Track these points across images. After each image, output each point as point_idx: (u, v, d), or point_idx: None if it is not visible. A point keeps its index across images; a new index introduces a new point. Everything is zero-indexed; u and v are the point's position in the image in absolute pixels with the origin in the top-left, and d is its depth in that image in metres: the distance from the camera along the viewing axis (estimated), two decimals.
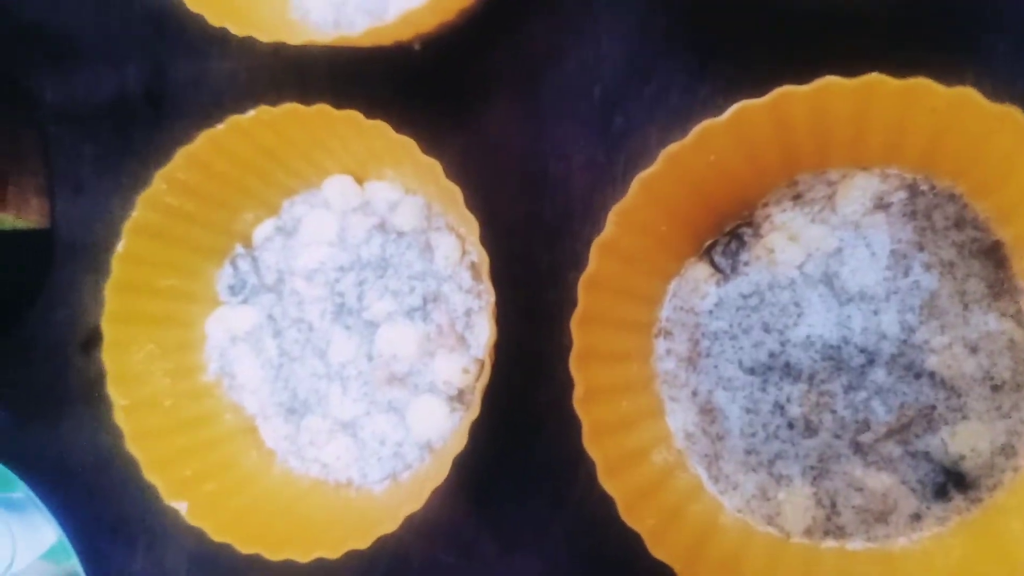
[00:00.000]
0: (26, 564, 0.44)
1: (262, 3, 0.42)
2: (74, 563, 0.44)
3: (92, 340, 0.44)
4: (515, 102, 0.41)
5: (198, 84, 0.45)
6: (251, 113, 0.37)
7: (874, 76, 0.30)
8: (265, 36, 0.37)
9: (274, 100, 0.37)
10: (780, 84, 0.31)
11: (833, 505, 0.32)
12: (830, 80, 0.30)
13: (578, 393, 0.32)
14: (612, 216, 0.32)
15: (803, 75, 0.30)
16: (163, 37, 0.46)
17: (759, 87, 0.31)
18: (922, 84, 0.29)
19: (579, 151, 0.40)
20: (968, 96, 0.29)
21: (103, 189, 0.46)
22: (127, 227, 0.38)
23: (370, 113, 0.36)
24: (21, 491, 0.44)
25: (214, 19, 0.38)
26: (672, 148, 0.31)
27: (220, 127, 0.38)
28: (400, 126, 0.36)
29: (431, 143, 0.36)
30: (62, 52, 0.47)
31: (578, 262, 0.35)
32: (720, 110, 0.31)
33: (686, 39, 0.39)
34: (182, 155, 0.38)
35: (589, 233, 0.34)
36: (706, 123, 0.31)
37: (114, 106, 0.47)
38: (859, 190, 0.33)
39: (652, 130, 0.39)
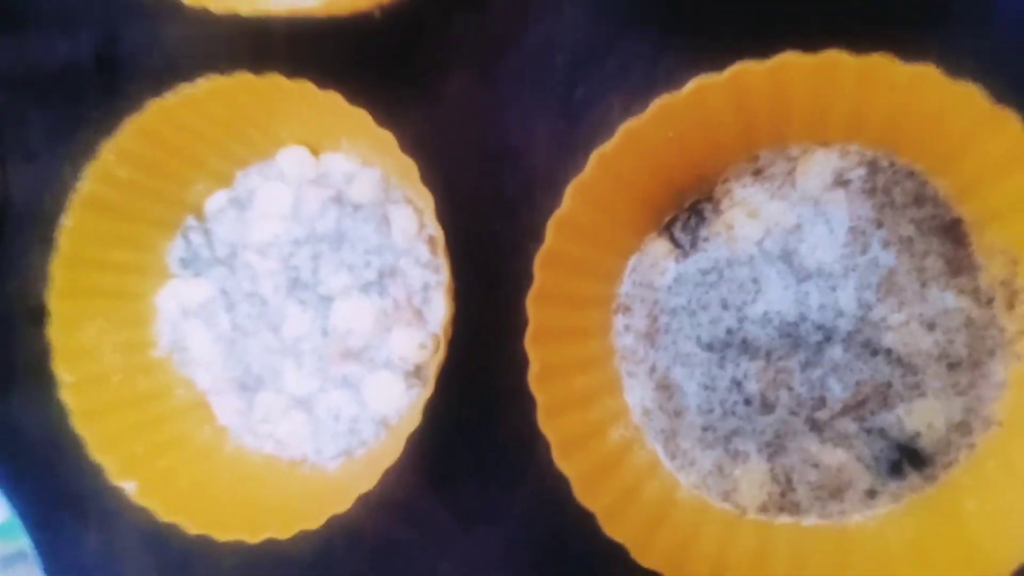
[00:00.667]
0: None
1: None
2: (24, 541, 0.43)
3: (41, 313, 0.43)
4: (475, 73, 0.40)
5: (152, 50, 0.44)
6: (201, 82, 0.36)
7: (833, 52, 0.29)
8: (216, 5, 0.36)
9: (229, 67, 0.36)
10: (745, 58, 0.30)
11: (788, 481, 0.32)
12: (789, 56, 0.30)
13: (533, 371, 0.31)
14: (570, 191, 0.31)
15: (771, 49, 0.30)
16: (116, 2, 0.44)
17: (725, 61, 0.30)
18: (881, 61, 0.29)
19: (540, 123, 0.39)
20: (928, 73, 0.29)
21: (55, 157, 0.45)
22: (74, 200, 0.37)
23: (326, 83, 0.35)
24: None
25: None
26: (630, 123, 0.31)
27: (169, 96, 0.36)
28: (357, 97, 0.35)
29: (389, 115, 0.35)
30: (11, 17, 0.45)
31: (538, 236, 0.34)
32: (684, 83, 0.31)
33: (650, 11, 0.38)
34: (130, 125, 0.37)
35: (550, 207, 0.33)
36: (664, 98, 0.30)
37: (65, 72, 0.45)
38: (819, 166, 0.33)
39: (614, 103, 0.39)
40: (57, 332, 0.37)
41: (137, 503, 0.35)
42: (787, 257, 0.33)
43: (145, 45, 0.44)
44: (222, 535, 0.33)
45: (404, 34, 0.40)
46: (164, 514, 0.34)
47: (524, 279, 0.33)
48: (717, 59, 0.31)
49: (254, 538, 0.33)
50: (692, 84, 0.30)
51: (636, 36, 0.39)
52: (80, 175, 0.38)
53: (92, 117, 0.44)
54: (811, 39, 0.30)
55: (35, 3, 0.45)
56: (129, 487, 0.35)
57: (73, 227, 0.37)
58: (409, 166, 0.34)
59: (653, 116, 0.31)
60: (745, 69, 0.30)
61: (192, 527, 0.34)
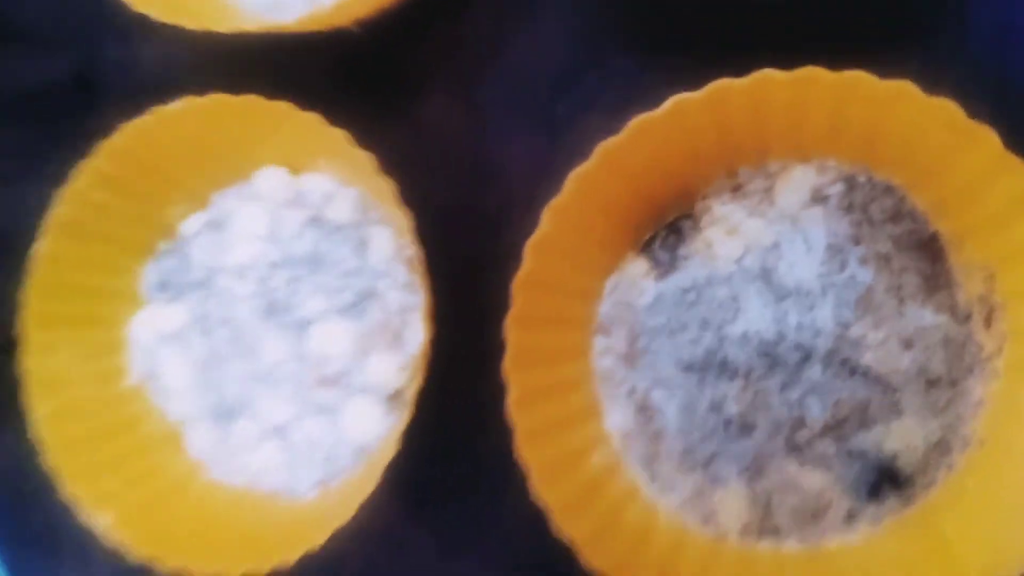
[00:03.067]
0: None
1: None
2: None
3: (13, 342, 0.42)
4: (454, 90, 0.40)
5: (130, 70, 0.43)
6: (176, 103, 0.36)
7: (810, 69, 0.29)
8: (191, 22, 0.35)
9: (208, 86, 0.36)
10: (724, 75, 0.30)
11: (768, 505, 0.32)
12: (767, 72, 0.29)
13: (512, 397, 0.31)
14: (546, 214, 0.31)
15: (749, 67, 0.30)
16: (93, 19, 0.44)
17: (704, 78, 0.30)
18: (858, 77, 0.29)
19: (519, 142, 0.39)
20: (905, 89, 0.29)
21: (29, 180, 0.44)
22: (46, 225, 0.37)
23: (305, 101, 0.35)
24: None
25: (137, 3, 0.36)
26: (607, 144, 0.30)
27: (144, 118, 0.36)
28: (335, 115, 0.34)
29: (368, 133, 0.34)
30: None
31: (518, 256, 0.34)
32: (662, 101, 0.30)
33: (630, 29, 0.38)
34: (104, 147, 0.36)
35: (529, 226, 0.33)
36: (641, 117, 0.30)
37: (40, 92, 0.45)
38: (797, 183, 0.33)
39: (594, 120, 0.38)
40: (28, 362, 0.36)
41: (111, 538, 0.35)
42: (766, 275, 0.33)
43: (123, 64, 0.43)
44: (198, 570, 0.33)
45: (382, 50, 0.40)
46: (139, 549, 0.34)
47: (503, 300, 0.33)
48: (696, 76, 0.31)
49: (231, 574, 0.32)
50: (670, 102, 0.30)
51: (616, 54, 0.39)
52: (54, 199, 0.37)
53: (68, 139, 0.44)
54: (789, 56, 0.30)
55: (9, 21, 0.45)
56: (103, 522, 0.35)
57: (45, 253, 0.37)
58: (386, 187, 0.33)
59: (630, 136, 0.30)
60: (723, 86, 0.30)
61: (168, 561, 0.33)
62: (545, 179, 0.38)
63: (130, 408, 0.38)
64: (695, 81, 0.30)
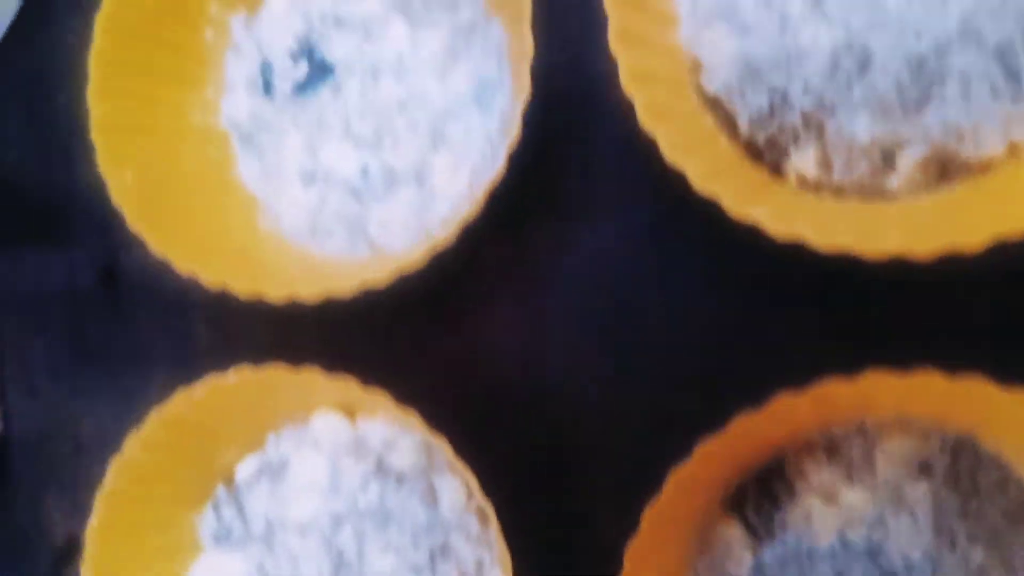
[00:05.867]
0: None
1: (228, 212, 0.38)
2: None
3: (64, 557, 0.41)
4: (514, 321, 0.38)
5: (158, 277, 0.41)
6: (231, 376, 0.34)
7: (925, 373, 0.27)
8: (241, 287, 0.33)
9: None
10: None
11: None
12: (877, 375, 0.28)
13: None
14: (647, 516, 0.29)
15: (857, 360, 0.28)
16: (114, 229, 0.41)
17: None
18: (976, 386, 0.27)
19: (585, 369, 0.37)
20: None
21: (59, 394, 0.43)
22: (99, 498, 0.35)
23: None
24: None
25: (180, 264, 0.34)
26: (707, 446, 0.29)
27: (197, 388, 0.34)
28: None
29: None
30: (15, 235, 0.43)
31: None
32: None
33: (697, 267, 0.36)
34: (155, 417, 0.35)
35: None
36: (742, 418, 0.29)
37: (65, 295, 0.43)
38: (899, 452, 0.31)
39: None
40: None
41: None
42: (872, 553, 0.31)
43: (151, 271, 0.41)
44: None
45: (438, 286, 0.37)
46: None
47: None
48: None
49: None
50: (774, 402, 0.28)
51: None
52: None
53: (96, 346, 0.42)
54: (897, 347, 0.28)
55: (34, 223, 0.43)
56: None
57: (99, 525, 0.35)
58: (439, 442, 0.32)
59: (730, 435, 0.29)
60: (831, 390, 0.28)
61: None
62: (618, 412, 0.37)
63: None
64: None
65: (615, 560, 0.30)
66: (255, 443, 0.38)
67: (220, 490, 0.38)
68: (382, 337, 0.38)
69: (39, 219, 0.44)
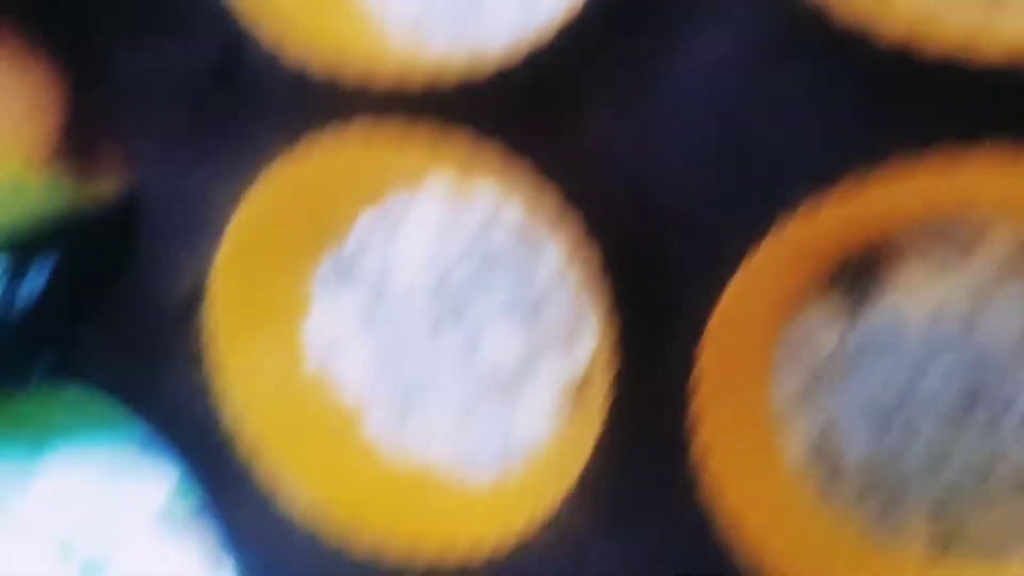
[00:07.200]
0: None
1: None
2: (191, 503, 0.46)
3: (191, 304, 0.44)
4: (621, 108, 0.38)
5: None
6: (348, 132, 0.36)
7: None
8: (351, 68, 0.35)
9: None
10: None
11: None
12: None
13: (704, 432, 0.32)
14: (730, 290, 0.31)
15: None
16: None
17: None
18: None
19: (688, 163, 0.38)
20: None
21: (185, 159, 0.45)
22: (221, 248, 0.38)
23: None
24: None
25: (272, 28, 0.36)
26: (793, 225, 0.30)
27: (314, 144, 0.36)
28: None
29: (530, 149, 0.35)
30: (140, 23, 0.44)
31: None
32: None
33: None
34: (274, 173, 0.37)
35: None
36: (834, 196, 0.29)
37: (187, 75, 0.44)
38: (1000, 240, 0.32)
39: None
40: (219, 353, 0.39)
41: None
42: (961, 344, 0.32)
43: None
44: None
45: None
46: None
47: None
48: None
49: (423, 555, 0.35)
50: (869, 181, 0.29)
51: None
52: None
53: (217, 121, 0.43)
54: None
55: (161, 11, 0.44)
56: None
57: (223, 271, 0.39)
58: (550, 195, 0.34)
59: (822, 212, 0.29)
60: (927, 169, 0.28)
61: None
62: (716, 195, 0.37)
63: (312, 394, 0.41)
64: None
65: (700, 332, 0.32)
66: (371, 199, 0.40)
67: (336, 241, 0.40)
68: (483, 134, 0.38)
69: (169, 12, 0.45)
